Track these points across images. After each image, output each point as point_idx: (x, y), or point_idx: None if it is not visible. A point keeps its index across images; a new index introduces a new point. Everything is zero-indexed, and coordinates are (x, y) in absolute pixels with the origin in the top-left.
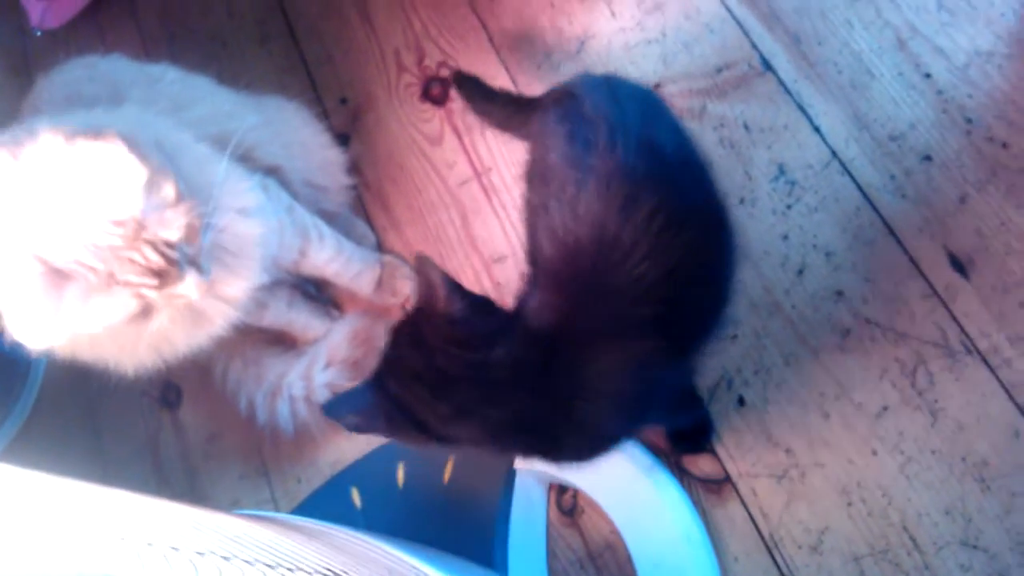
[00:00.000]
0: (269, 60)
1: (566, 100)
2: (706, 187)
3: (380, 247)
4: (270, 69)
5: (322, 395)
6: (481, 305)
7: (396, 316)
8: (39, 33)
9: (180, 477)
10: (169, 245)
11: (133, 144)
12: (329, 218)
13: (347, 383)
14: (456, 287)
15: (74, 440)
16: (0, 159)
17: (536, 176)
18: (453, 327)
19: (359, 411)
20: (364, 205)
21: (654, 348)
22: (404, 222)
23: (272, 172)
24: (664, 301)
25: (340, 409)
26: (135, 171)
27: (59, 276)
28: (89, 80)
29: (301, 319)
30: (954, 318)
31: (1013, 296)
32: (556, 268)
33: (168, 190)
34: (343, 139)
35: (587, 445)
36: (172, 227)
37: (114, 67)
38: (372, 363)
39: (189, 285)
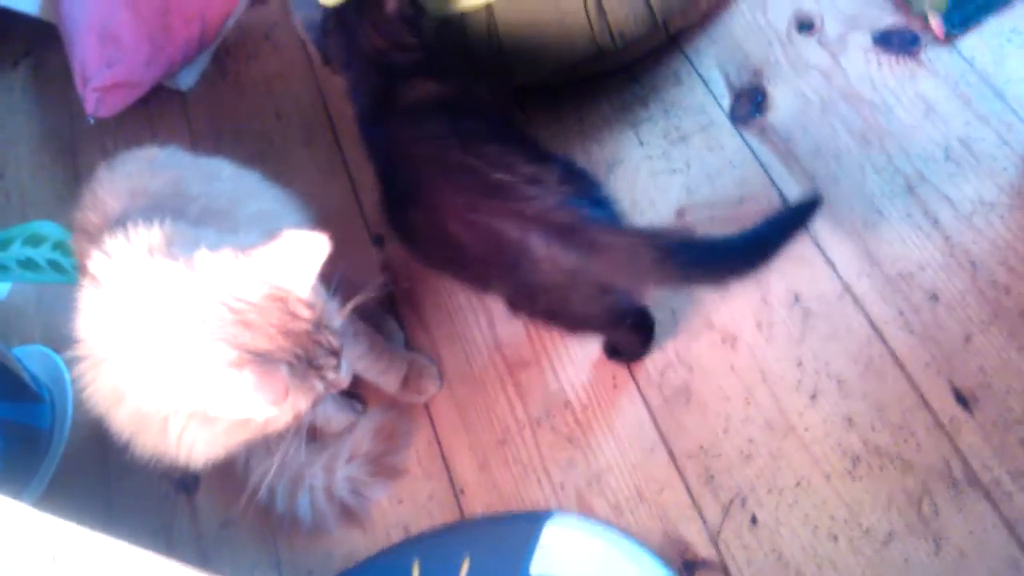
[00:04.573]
0: (313, 161)
1: None
2: None
3: (408, 344)
4: (314, 169)
5: (343, 488)
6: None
7: (420, 414)
8: (92, 121)
9: (191, 562)
10: (333, 332)
11: None
12: (360, 314)
13: (369, 478)
14: None
15: (86, 518)
16: (179, 272)
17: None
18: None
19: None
20: (395, 303)
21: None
22: (432, 322)
23: None
24: None
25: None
26: (322, 248)
27: (266, 360)
28: (151, 174)
29: (326, 412)
30: (958, 451)
31: (1014, 433)
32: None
33: (321, 287)
34: (378, 239)
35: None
36: (335, 315)
37: (173, 160)
38: (395, 460)
39: (344, 371)
